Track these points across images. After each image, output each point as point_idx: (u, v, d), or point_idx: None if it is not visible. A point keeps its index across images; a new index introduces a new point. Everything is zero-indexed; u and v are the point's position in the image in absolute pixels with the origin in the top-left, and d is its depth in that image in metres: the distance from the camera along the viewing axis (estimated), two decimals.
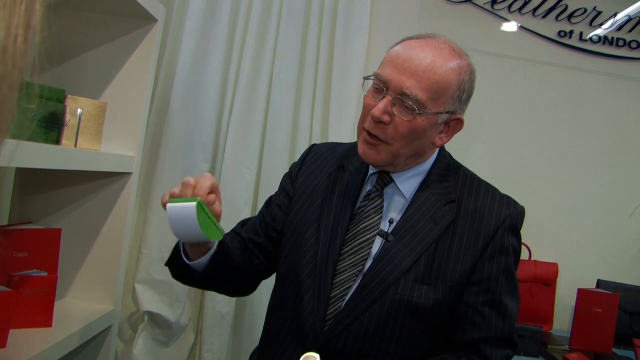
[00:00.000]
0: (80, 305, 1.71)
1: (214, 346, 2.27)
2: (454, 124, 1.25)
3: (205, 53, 2.26)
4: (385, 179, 1.30)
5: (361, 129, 1.25)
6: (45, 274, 1.52)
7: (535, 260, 2.40)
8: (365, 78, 1.26)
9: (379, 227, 1.27)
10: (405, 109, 1.17)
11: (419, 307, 1.20)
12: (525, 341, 2.09)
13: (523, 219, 1.30)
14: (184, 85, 2.23)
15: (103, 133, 1.66)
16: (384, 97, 1.18)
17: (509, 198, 1.31)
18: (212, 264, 1.26)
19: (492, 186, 1.33)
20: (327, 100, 2.35)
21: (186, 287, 2.25)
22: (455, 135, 1.28)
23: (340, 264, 1.26)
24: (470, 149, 2.46)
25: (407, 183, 1.29)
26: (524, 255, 2.40)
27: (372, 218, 1.27)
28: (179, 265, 1.28)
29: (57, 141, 1.51)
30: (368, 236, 1.26)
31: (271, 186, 2.29)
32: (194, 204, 1.05)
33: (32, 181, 1.76)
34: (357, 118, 1.31)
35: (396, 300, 1.20)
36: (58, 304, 1.65)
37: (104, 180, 1.73)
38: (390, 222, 1.26)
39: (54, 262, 1.68)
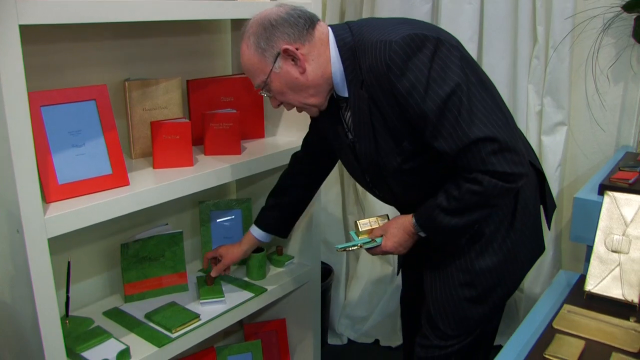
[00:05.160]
0: (279, 139, 1.98)
1: None
2: (290, 52, 1.33)
3: None
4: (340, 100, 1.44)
5: None
6: (234, 111, 1.80)
7: None
8: None
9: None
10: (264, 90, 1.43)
11: (399, 169, 1.38)
12: None
13: (406, 45, 1.23)
14: None
15: None
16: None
17: (380, 42, 1.27)
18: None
19: (373, 32, 1.30)
20: None
21: None
22: None
23: None
24: None
25: (345, 90, 1.39)
26: None
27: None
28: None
29: None
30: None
31: (496, 22, 2.12)
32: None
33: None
34: None
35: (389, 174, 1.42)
36: (261, 140, 1.96)
37: None
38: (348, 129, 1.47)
39: (258, 103, 1.97)
